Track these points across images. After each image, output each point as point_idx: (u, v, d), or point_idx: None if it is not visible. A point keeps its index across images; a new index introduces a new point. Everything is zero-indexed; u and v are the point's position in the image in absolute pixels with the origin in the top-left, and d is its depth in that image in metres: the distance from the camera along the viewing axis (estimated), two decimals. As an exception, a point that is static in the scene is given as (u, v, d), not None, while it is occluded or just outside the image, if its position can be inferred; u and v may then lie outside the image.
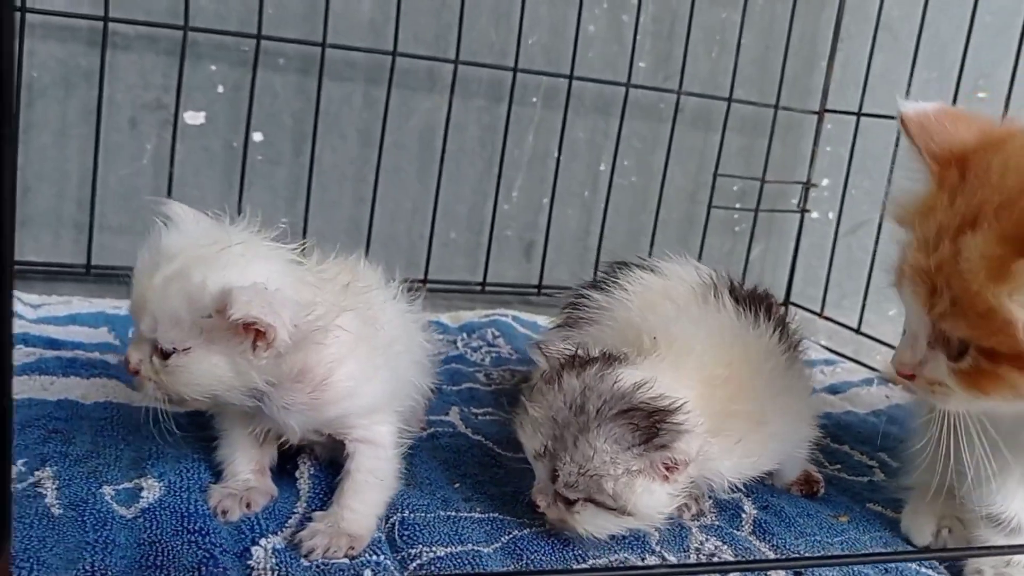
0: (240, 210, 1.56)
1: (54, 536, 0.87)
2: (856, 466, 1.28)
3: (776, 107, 1.86)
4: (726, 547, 1.01)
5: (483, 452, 1.18)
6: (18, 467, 0.98)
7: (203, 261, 0.88)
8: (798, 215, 1.97)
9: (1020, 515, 0.96)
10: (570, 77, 1.73)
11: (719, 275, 1.18)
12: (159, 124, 1.58)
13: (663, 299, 1.16)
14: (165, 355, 0.88)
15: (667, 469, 0.93)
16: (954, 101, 1.66)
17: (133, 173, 1.59)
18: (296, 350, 0.89)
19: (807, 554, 1.01)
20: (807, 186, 1.93)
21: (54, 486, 0.95)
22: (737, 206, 1.96)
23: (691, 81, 1.82)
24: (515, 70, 1.68)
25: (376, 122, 1.68)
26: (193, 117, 1.60)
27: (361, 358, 0.96)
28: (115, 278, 1.58)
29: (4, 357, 0.48)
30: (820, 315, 1.89)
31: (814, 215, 2.00)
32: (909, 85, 1.72)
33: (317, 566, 0.88)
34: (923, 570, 0.99)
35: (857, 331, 1.79)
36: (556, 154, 1.81)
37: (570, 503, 0.95)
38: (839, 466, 1.26)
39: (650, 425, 0.91)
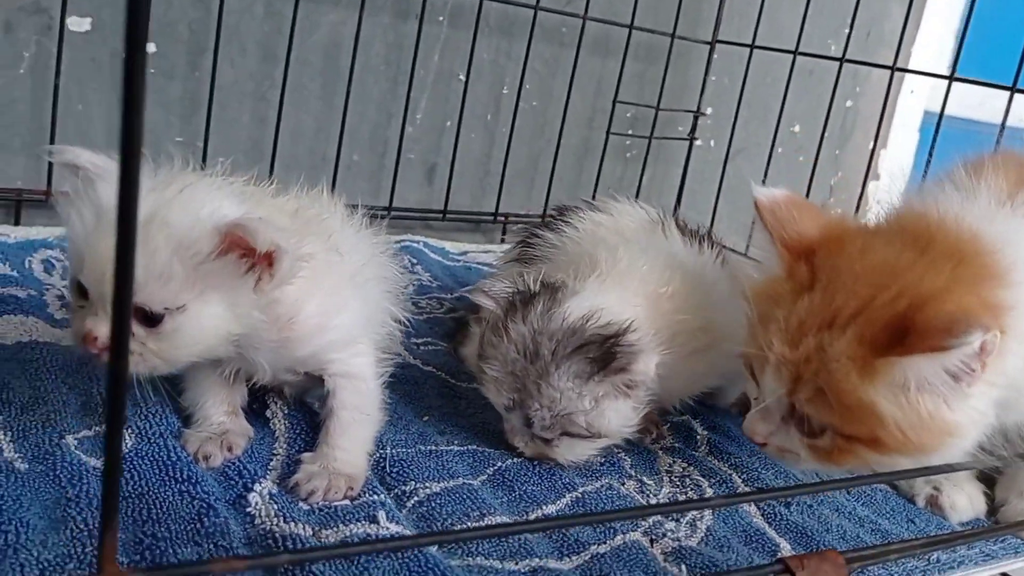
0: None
1: (28, 494, 0.79)
2: (777, 385, 1.37)
3: (673, 36, 1.89)
4: (692, 468, 1.06)
5: (440, 384, 1.17)
6: (-45, 418, 0.88)
7: (173, 204, 0.79)
8: (685, 142, 2.03)
9: None
10: (481, -4, 1.68)
11: (665, 212, 1.23)
12: (39, 29, 1.42)
13: (612, 234, 1.19)
14: (152, 320, 0.78)
15: (627, 387, 0.97)
16: (847, 42, 1.75)
17: (8, 83, 1.43)
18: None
19: (762, 471, 1.08)
20: (697, 115, 1.98)
21: (7, 438, 0.87)
22: (629, 132, 1.99)
23: (591, 6, 1.81)
24: (425, -13, 1.62)
25: (277, 36, 1.58)
26: (78, 23, 1.44)
27: (327, 291, 0.92)
28: (-4, 201, 1.43)
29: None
30: (708, 239, 1.98)
31: (698, 142, 2.07)
32: (804, 22, 1.79)
33: (320, 510, 0.85)
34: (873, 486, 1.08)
35: (745, 255, 1.88)
36: (460, 76, 1.77)
37: (548, 440, 0.98)
38: (764, 386, 1.35)
39: (604, 352, 0.94)
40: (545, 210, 1.89)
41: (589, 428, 0.96)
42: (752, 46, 1.85)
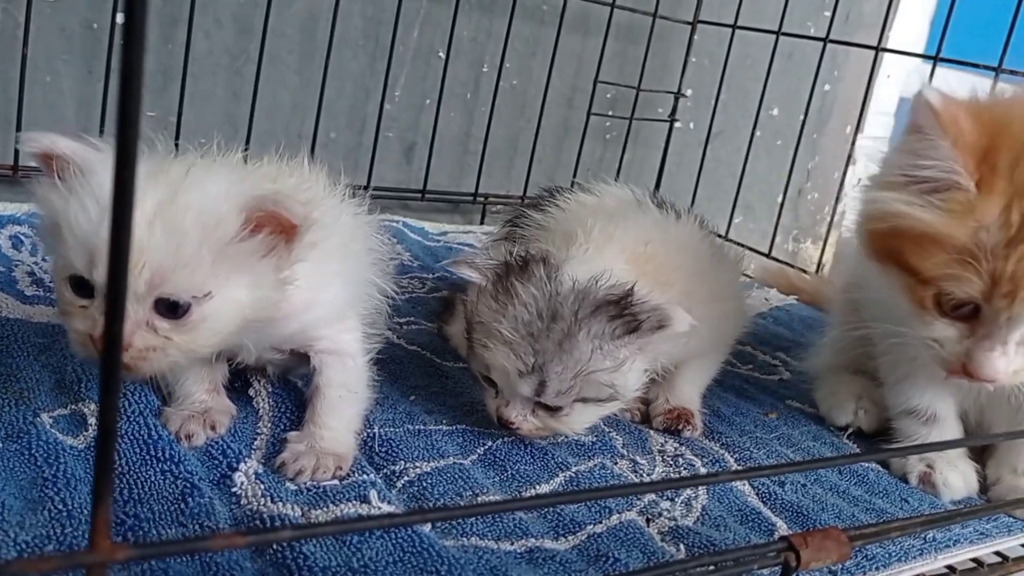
0: (104, 99, 1.42)
1: (2, 473, 0.76)
2: (763, 366, 1.36)
3: (655, 16, 1.87)
4: (684, 448, 1.05)
5: (424, 363, 1.15)
6: (-78, 396, 0.84)
7: (189, 185, 0.74)
8: (663, 124, 2.01)
9: (933, 406, 1.06)
10: (462, -29, 1.65)
11: (651, 192, 1.21)
12: (5, -3, 1.37)
13: (594, 213, 1.17)
14: (176, 312, 0.73)
15: (640, 348, 0.94)
16: (831, 23, 1.74)
17: (-28, 53, 1.38)
18: None
19: (753, 451, 1.07)
20: (678, 96, 1.97)
21: (-22, 416, 0.83)
22: (610, 113, 1.97)
23: (573, -17, 1.79)
24: (406, -40, 1.58)
25: (253, 7, 1.54)
26: (47, -10, 1.39)
27: (313, 266, 0.89)
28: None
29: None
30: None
31: (678, 124, 2.05)
32: (786, 2, 1.77)
33: (309, 490, 0.82)
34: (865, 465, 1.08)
35: (725, 238, 1.88)
36: (440, 52, 1.74)
37: (556, 410, 0.95)
38: (751, 366, 1.34)
39: (620, 312, 0.92)
40: (525, 191, 1.86)
41: (612, 387, 0.94)
42: (734, 26, 1.84)
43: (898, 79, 2.50)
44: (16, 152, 1.39)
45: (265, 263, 0.76)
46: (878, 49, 1.62)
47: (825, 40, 1.70)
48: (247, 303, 0.76)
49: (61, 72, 1.44)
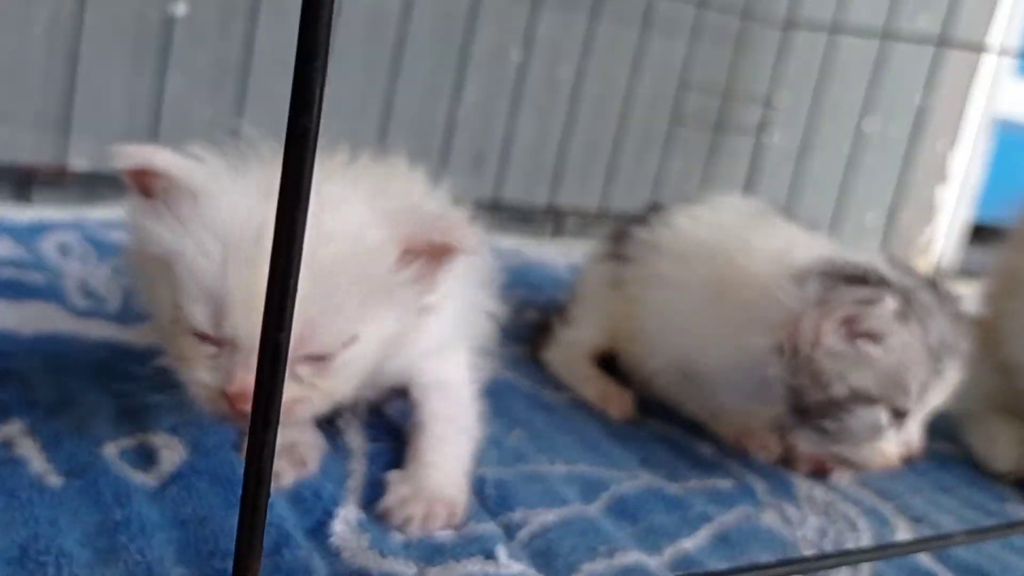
0: (160, 97, 1.30)
1: (66, 516, 0.64)
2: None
3: (743, 19, 1.74)
4: (834, 494, 0.91)
5: (524, 394, 1.01)
6: (-34, 421, 0.72)
7: (331, 211, 0.60)
8: (745, 136, 1.88)
9: None
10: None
11: (767, 204, 1.08)
12: (57, -15, 1.26)
13: (714, 227, 1.04)
14: (320, 357, 0.62)
15: None
16: (944, 25, 1.60)
17: (21, 45, 1.26)
18: None
19: (909, 498, 0.93)
20: (767, 106, 1.84)
21: (36, 445, 0.70)
22: (691, 124, 1.84)
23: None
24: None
25: None
26: (101, -22, 1.28)
27: None
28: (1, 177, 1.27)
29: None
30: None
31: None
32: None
33: (419, 542, 0.69)
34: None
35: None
36: (514, 55, 1.62)
37: None
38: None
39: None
40: (605, 207, 1.74)
41: None
42: (832, 31, 1.71)
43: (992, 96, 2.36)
44: (65, 152, 1.28)
45: (410, 290, 0.65)
46: (1000, 53, 1.48)
47: (938, 44, 1.56)
48: (389, 338, 0.66)
49: (112, 69, 1.32)
